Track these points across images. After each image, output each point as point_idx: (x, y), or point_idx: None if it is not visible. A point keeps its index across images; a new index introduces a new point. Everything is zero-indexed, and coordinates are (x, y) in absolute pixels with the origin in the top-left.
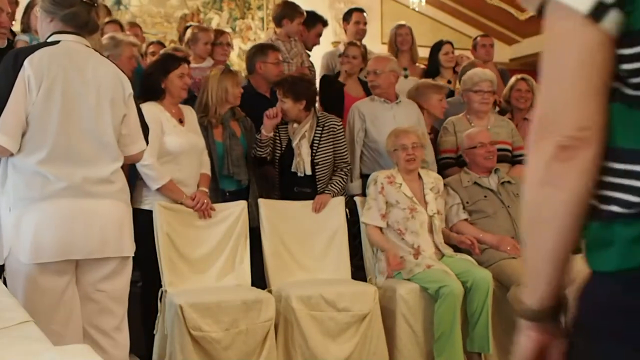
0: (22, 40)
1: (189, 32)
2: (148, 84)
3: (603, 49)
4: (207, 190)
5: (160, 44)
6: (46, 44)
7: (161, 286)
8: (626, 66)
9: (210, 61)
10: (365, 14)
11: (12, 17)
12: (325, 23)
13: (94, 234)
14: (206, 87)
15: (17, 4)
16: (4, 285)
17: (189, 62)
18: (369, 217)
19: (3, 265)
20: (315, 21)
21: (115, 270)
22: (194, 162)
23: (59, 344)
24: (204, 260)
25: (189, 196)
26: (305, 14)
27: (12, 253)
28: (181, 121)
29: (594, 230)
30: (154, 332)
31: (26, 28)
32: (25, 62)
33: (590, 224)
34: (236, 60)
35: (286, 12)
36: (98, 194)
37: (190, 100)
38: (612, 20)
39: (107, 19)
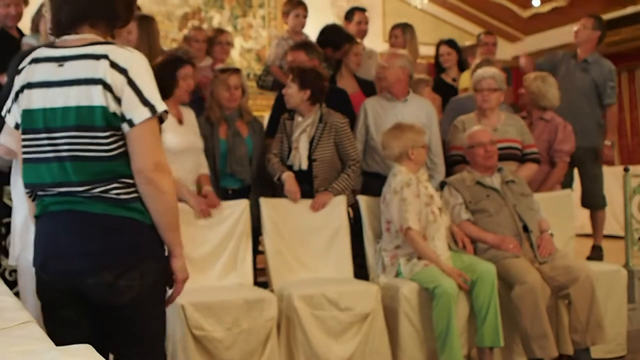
0: (27, 43)
1: (184, 32)
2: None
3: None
4: (211, 189)
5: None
6: None
7: None
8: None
9: (209, 60)
10: (367, 13)
11: (19, 16)
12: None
13: None
14: (210, 88)
15: (26, 3)
16: (5, 286)
17: (193, 65)
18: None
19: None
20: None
21: None
22: (192, 162)
23: None
24: (206, 259)
25: (203, 193)
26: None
27: (22, 252)
28: (180, 121)
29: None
30: None
31: (35, 28)
32: None
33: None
34: (237, 59)
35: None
36: None
37: (193, 102)
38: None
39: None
